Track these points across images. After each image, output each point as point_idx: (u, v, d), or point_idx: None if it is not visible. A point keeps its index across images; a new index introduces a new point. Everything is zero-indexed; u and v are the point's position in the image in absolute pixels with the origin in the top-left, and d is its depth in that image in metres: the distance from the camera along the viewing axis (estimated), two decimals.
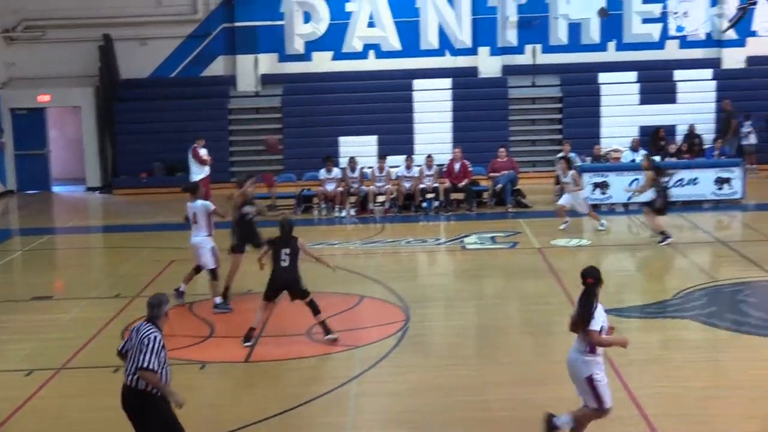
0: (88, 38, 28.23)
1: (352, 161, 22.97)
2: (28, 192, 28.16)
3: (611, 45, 28.56)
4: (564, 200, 19.68)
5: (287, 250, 12.39)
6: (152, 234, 20.92)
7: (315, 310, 12.50)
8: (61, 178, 29.34)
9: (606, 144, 25.53)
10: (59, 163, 29.51)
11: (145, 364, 7.99)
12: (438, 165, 22.97)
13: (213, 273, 14.38)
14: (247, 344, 12.42)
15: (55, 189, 28.65)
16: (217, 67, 28.88)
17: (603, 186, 21.97)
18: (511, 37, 28.40)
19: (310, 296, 12.54)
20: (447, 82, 27.76)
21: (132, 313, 14.24)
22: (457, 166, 22.62)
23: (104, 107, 28.31)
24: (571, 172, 19.63)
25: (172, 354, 12.15)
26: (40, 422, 10.29)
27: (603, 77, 27.92)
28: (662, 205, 18.37)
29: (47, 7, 28.34)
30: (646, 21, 28.71)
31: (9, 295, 15.83)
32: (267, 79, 28.50)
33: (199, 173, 22.64)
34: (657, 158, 23.17)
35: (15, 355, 12.54)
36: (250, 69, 28.28)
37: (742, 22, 25.97)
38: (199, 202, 14.29)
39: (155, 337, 8.13)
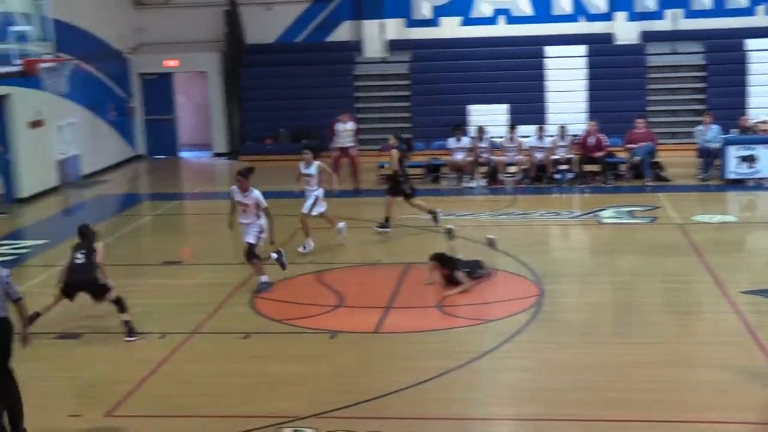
0: (214, 3, 28.24)
1: (481, 130, 22.41)
2: (157, 157, 28.49)
3: (760, 9, 26.91)
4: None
5: None
6: (278, 201, 20.70)
7: None
8: (188, 143, 29.58)
9: (754, 115, 24.13)
10: (186, 129, 29.75)
11: (20, 295, 9.00)
12: (571, 135, 22.21)
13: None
14: None
15: (183, 154, 28.88)
16: (343, 33, 28.59)
17: (750, 159, 20.81)
18: (650, 1, 27.21)
19: None
20: (581, 49, 26.72)
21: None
22: (591, 139, 21.79)
23: (230, 73, 28.37)
24: (317, 163, 16.12)
25: (302, 323, 12.14)
26: (172, 386, 10.30)
27: (750, 43, 26.36)
28: (410, 189, 16.99)
29: None
30: None
31: (140, 259, 15.95)
32: (394, 45, 28.10)
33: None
34: None
35: (149, 318, 12.57)
36: (377, 34, 27.89)
37: None
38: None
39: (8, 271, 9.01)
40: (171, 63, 28.27)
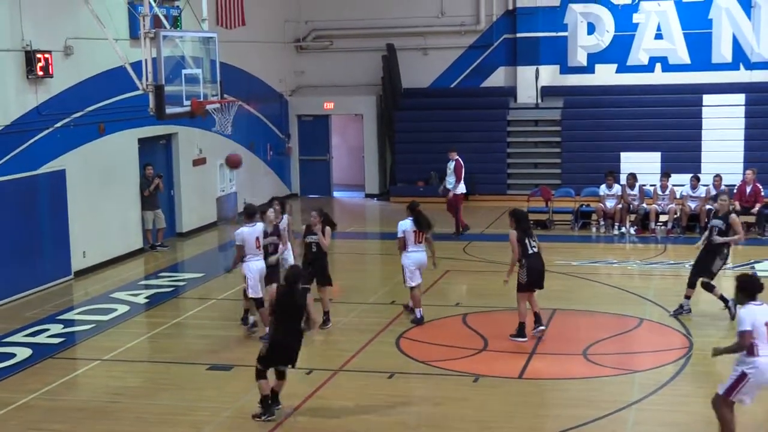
0: (373, 48, 28.93)
1: (632, 178, 22.13)
2: (311, 196, 29.21)
3: None
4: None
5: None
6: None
7: None
8: (341, 183, 30.24)
9: None
10: (340, 169, 30.43)
11: None
12: (727, 185, 21.69)
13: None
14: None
15: (336, 194, 29.54)
16: (497, 78, 28.80)
17: None
18: None
19: None
20: (740, 98, 26.13)
21: (406, 321, 14.34)
22: (748, 188, 21.25)
23: (385, 116, 28.94)
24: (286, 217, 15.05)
25: (445, 365, 12.27)
26: (317, 421, 10.54)
27: None
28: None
29: (336, 17, 29.34)
30: None
31: None
32: (547, 91, 28.11)
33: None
34: None
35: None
36: (531, 80, 27.98)
37: None
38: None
39: None
40: (328, 105, 29.08)
